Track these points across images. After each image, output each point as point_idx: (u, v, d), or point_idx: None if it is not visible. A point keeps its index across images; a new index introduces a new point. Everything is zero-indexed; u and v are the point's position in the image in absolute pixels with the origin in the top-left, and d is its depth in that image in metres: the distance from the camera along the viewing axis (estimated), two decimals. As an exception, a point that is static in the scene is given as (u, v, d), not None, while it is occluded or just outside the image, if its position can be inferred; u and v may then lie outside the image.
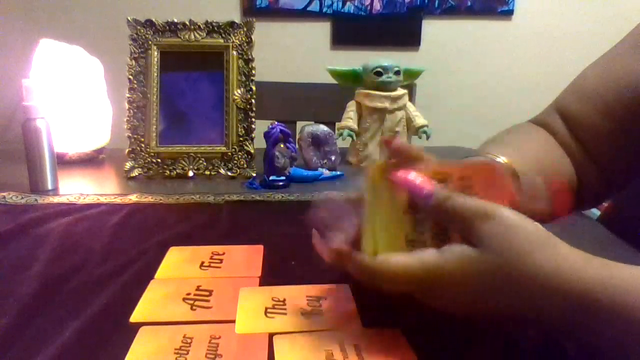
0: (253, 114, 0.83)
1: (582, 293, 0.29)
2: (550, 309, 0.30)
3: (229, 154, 0.83)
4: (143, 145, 0.82)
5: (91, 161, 0.92)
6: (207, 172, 0.82)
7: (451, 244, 0.33)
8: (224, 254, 0.50)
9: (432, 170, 0.36)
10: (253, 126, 0.84)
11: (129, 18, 0.83)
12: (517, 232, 0.31)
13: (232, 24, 0.84)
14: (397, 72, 0.84)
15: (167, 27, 0.83)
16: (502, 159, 0.46)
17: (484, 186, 0.35)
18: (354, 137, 0.87)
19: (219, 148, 0.83)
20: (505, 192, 0.35)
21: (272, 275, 0.46)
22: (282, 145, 0.75)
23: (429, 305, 0.35)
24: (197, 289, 0.43)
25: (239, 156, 0.83)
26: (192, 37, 0.83)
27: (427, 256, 0.32)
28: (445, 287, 0.33)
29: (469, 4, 1.81)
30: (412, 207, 0.35)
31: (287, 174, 0.76)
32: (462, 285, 0.32)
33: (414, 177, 0.34)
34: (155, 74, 0.83)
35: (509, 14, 1.84)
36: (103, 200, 0.68)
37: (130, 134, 0.82)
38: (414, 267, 0.32)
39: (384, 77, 0.83)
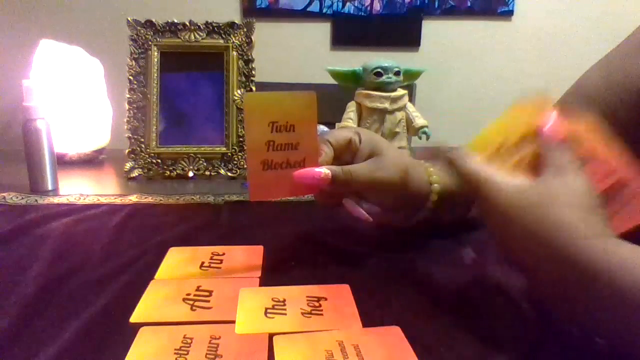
0: (253, 115, 0.83)
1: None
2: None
3: (229, 154, 0.83)
4: (143, 145, 0.82)
5: (91, 162, 0.92)
6: (207, 173, 0.82)
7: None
8: (223, 254, 0.50)
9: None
10: (253, 126, 0.84)
11: (129, 18, 0.83)
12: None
13: (232, 24, 0.84)
14: (397, 73, 0.84)
15: (167, 28, 0.83)
16: None
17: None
18: (354, 138, 0.87)
19: (219, 148, 0.83)
20: None
21: (272, 275, 0.46)
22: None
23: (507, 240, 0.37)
24: (197, 289, 0.43)
25: (239, 157, 0.83)
26: (192, 37, 0.83)
27: (542, 180, 0.36)
28: (550, 207, 0.34)
29: (469, 4, 1.82)
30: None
31: (287, 174, 0.76)
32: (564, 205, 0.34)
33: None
34: (156, 75, 0.83)
35: (508, 14, 1.84)
36: (103, 200, 0.68)
37: (130, 135, 0.82)
38: (525, 188, 0.35)
39: (384, 78, 0.83)
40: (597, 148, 0.39)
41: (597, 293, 0.31)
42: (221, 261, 0.49)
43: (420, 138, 0.89)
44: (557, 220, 0.33)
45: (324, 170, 0.44)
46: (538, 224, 0.34)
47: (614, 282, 0.30)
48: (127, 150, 0.82)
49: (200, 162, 0.83)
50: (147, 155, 0.82)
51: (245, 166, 0.83)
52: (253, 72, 0.84)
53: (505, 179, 0.37)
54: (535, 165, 0.38)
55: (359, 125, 0.86)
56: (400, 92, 0.86)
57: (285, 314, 0.39)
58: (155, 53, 0.83)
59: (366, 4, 1.80)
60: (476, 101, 1.91)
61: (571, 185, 0.35)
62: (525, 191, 0.35)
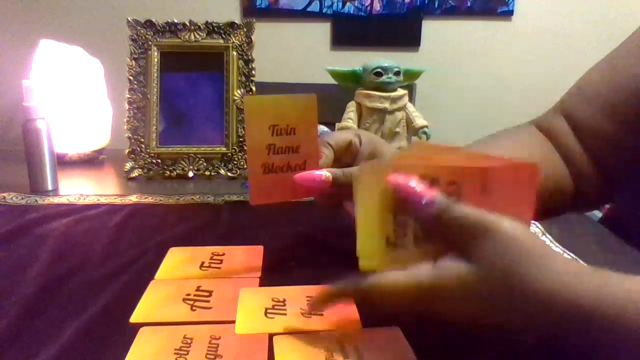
0: (253, 115, 0.83)
1: (574, 308, 0.29)
2: (546, 321, 0.30)
3: (229, 154, 0.83)
4: (143, 145, 0.82)
5: (91, 162, 0.92)
6: (207, 173, 0.82)
7: (444, 260, 0.32)
8: (224, 254, 0.50)
9: (424, 167, 0.33)
10: (253, 126, 0.84)
11: (129, 18, 0.83)
12: (516, 249, 0.30)
13: (232, 24, 0.84)
14: (397, 73, 0.84)
15: (167, 28, 0.83)
16: None
17: (476, 193, 0.33)
18: (354, 138, 0.86)
19: (219, 148, 0.83)
20: (509, 199, 0.33)
21: (272, 275, 0.46)
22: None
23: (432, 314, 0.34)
24: (197, 289, 0.43)
25: (239, 157, 0.83)
26: (192, 37, 0.83)
27: (423, 275, 0.32)
28: (444, 304, 0.32)
29: (469, 4, 1.82)
30: (399, 209, 0.33)
31: (287, 174, 0.76)
32: (460, 301, 0.31)
33: (415, 184, 0.33)
34: (155, 75, 0.83)
35: (508, 14, 1.84)
36: (103, 200, 0.68)
37: (130, 135, 0.82)
38: (411, 287, 0.32)
39: (384, 78, 0.83)
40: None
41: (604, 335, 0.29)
42: (221, 261, 0.49)
43: (420, 138, 0.89)
44: (536, 291, 0.29)
45: (325, 173, 0.44)
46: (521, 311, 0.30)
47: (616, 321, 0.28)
48: (127, 150, 0.82)
49: (200, 162, 0.82)
50: (147, 155, 0.82)
51: (245, 166, 0.83)
52: (253, 72, 0.84)
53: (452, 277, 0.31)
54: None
55: (358, 125, 0.86)
56: (400, 92, 0.86)
57: (285, 314, 0.39)
58: (155, 53, 0.83)
59: (366, 4, 1.79)
60: (476, 101, 1.91)
61: (520, 240, 0.30)
62: (485, 277, 0.30)
